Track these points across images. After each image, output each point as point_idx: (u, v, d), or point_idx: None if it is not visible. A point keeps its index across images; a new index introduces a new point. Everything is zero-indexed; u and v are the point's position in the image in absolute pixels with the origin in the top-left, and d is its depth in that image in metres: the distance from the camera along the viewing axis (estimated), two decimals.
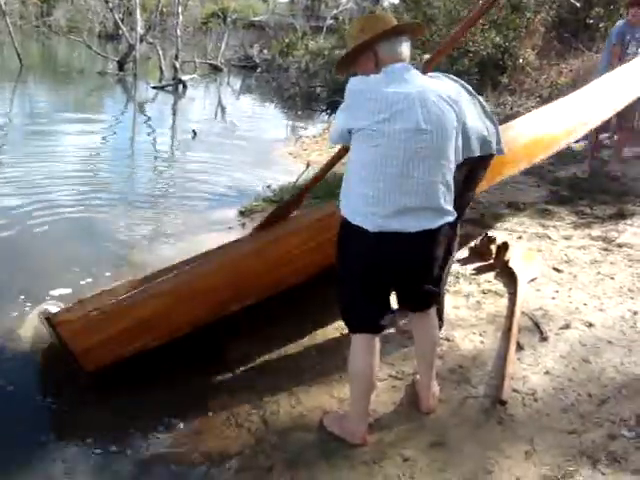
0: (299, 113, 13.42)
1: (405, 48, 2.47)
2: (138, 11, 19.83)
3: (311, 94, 15.17)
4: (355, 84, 2.44)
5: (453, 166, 2.49)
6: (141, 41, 19.58)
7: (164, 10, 24.59)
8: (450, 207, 2.50)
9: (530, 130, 4.58)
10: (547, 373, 3.16)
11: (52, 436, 2.84)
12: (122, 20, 23.52)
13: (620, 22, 6.66)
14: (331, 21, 23.81)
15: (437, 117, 2.37)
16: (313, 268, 3.27)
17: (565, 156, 7.37)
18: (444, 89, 2.47)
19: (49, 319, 2.97)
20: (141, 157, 8.85)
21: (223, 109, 14.17)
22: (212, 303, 3.16)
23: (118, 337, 2.97)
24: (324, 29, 22.72)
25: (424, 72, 2.68)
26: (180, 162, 8.46)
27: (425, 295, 2.68)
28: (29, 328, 3.63)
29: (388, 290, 2.61)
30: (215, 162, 7.95)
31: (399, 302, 2.74)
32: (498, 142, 3.10)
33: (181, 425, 2.87)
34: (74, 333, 2.92)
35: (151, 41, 20.38)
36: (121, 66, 19.45)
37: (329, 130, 2.65)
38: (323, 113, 13.01)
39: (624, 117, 6.37)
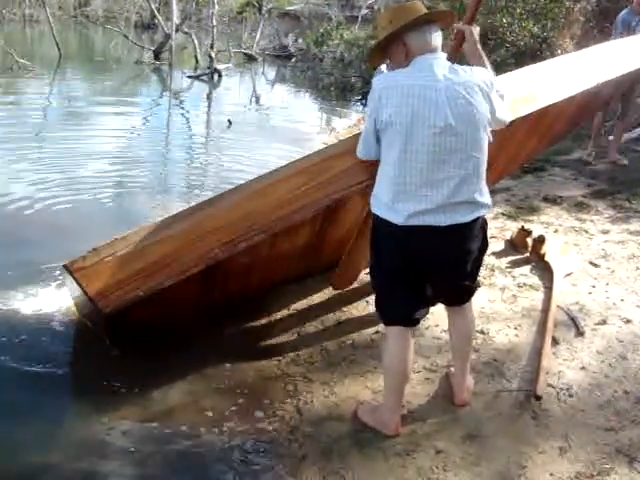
0: (333, 103, 13.38)
1: (435, 37, 2.44)
2: (174, 1, 19.93)
3: (346, 84, 15.14)
4: (380, 81, 2.43)
5: (485, 157, 2.47)
6: (177, 30, 19.68)
7: (200, 0, 24.67)
8: (484, 199, 2.48)
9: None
10: (583, 369, 3.13)
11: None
12: (158, 10, 23.66)
13: (625, 10, 6.66)
14: (366, 10, 23.62)
15: (465, 110, 2.35)
16: (315, 205, 3.29)
17: (604, 149, 7.26)
18: (475, 78, 2.42)
19: (66, 266, 3.13)
20: (175, 145, 8.99)
21: (257, 98, 14.21)
22: (220, 241, 3.19)
23: (133, 278, 3.08)
24: (359, 18, 22.56)
25: (452, 59, 2.63)
26: (214, 150, 8.56)
27: (460, 289, 2.68)
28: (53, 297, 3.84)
29: (423, 284, 2.60)
30: (249, 152, 8.00)
31: (435, 296, 2.74)
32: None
33: (214, 412, 2.90)
34: (90, 277, 3.07)
35: (187, 30, 20.45)
36: (157, 55, 19.59)
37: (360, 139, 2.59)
38: (357, 103, 12.97)
39: (626, 108, 6.47)
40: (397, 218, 2.38)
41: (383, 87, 2.38)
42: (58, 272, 3.86)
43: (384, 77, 2.45)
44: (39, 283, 4.02)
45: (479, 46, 2.67)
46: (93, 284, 3.06)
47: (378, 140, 2.46)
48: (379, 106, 2.37)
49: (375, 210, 2.49)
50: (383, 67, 3.67)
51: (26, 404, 2.94)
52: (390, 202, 2.40)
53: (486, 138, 2.44)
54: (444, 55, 2.49)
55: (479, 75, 2.44)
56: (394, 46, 2.47)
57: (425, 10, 2.47)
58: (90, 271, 3.09)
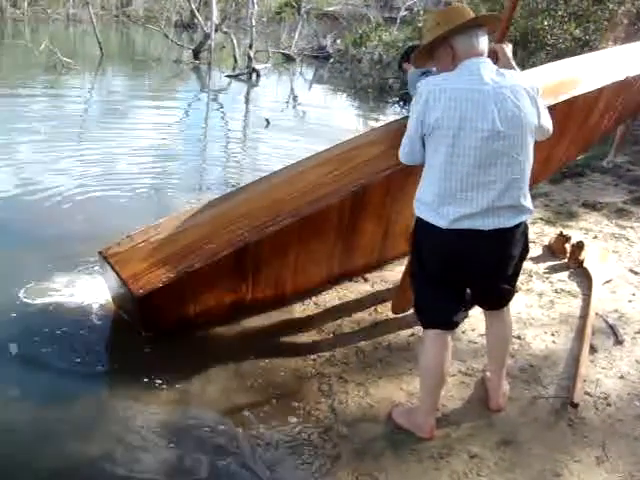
0: (371, 105, 13.38)
1: (482, 42, 2.44)
2: (214, 1, 20.12)
3: (383, 86, 15.11)
4: (427, 84, 2.42)
5: (531, 161, 2.46)
6: (216, 30, 19.88)
7: (239, 0, 24.86)
8: (528, 204, 2.47)
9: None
10: (621, 378, 3.09)
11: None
12: (198, 9, 23.89)
13: None
14: (405, 12, 23.54)
15: (513, 114, 2.34)
16: (341, 191, 3.44)
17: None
18: (522, 83, 2.41)
19: (102, 253, 3.29)
20: (213, 142, 9.11)
21: (295, 99, 14.27)
22: (250, 225, 3.31)
23: (164, 261, 3.20)
24: (398, 20, 22.50)
25: (494, 59, 2.61)
26: (252, 149, 8.63)
27: (499, 294, 2.67)
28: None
29: (462, 287, 2.60)
30: (286, 150, 8.04)
31: (473, 300, 2.73)
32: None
33: (248, 410, 2.92)
34: (124, 261, 3.21)
35: (226, 30, 20.64)
36: (196, 55, 19.81)
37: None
38: (395, 105, 12.95)
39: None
40: (441, 221, 2.39)
41: (430, 90, 2.37)
42: (97, 265, 3.91)
43: (431, 80, 2.44)
44: (79, 275, 4.12)
45: (513, 63, 2.70)
46: (126, 268, 3.19)
47: (423, 144, 2.46)
48: (426, 109, 2.36)
49: (419, 213, 2.49)
50: (414, 69, 3.70)
51: (64, 396, 3.01)
52: (435, 205, 2.40)
53: (532, 142, 2.43)
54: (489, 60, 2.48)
55: (526, 79, 2.44)
56: (441, 49, 2.47)
57: (472, 14, 2.47)
58: (124, 256, 3.24)
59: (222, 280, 3.40)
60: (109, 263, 3.24)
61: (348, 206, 3.51)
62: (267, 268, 3.53)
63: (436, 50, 2.50)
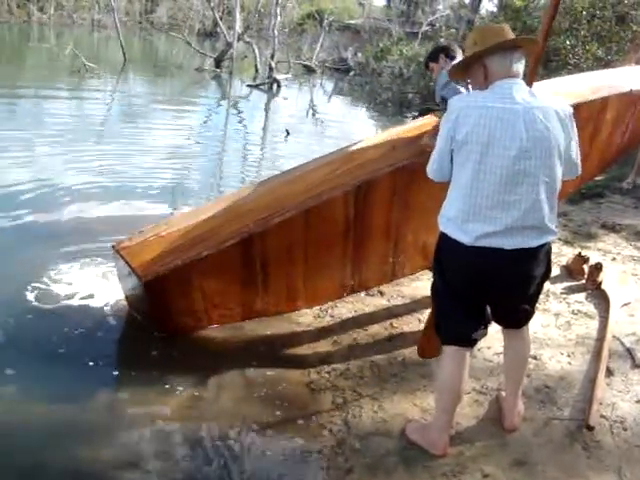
0: (390, 118, 13.41)
1: (517, 64, 2.44)
2: (237, 10, 20.33)
3: (403, 100, 15.16)
4: (458, 101, 2.44)
5: (559, 184, 2.45)
6: (238, 40, 20.07)
7: (262, 10, 25.06)
8: (552, 226, 2.47)
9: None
10: (638, 402, 3.06)
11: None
12: (221, 18, 24.14)
13: None
14: (427, 27, 23.61)
15: (542, 134, 2.34)
16: (344, 186, 3.60)
17: None
18: (554, 105, 2.42)
19: (114, 247, 3.44)
20: (232, 151, 9.23)
21: (315, 110, 14.34)
22: (255, 218, 3.43)
23: (173, 251, 3.31)
24: (419, 35, 22.58)
25: (529, 83, 2.63)
26: (270, 158, 8.71)
27: (519, 313, 2.66)
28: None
29: (483, 305, 2.60)
30: (305, 161, 8.07)
31: (493, 317, 2.73)
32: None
33: (261, 420, 2.92)
34: (134, 253, 3.33)
35: (248, 40, 20.82)
36: (218, 63, 19.99)
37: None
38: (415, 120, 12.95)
39: None
40: (465, 238, 2.39)
41: (462, 107, 2.39)
42: (112, 263, 3.93)
43: (463, 97, 2.47)
44: (94, 274, 4.22)
45: None
46: (137, 258, 3.31)
47: (452, 160, 2.46)
48: (456, 125, 2.37)
49: (443, 228, 2.49)
50: (443, 71, 3.71)
51: (78, 397, 3.03)
52: (460, 222, 2.40)
53: (560, 165, 2.42)
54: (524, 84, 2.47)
55: (558, 102, 2.44)
56: (475, 67, 2.48)
57: (511, 35, 2.47)
58: (135, 248, 3.36)
59: (231, 274, 3.46)
60: (121, 255, 3.36)
61: (352, 202, 3.61)
62: (276, 266, 3.58)
63: (471, 67, 2.51)
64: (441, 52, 3.93)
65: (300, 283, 3.74)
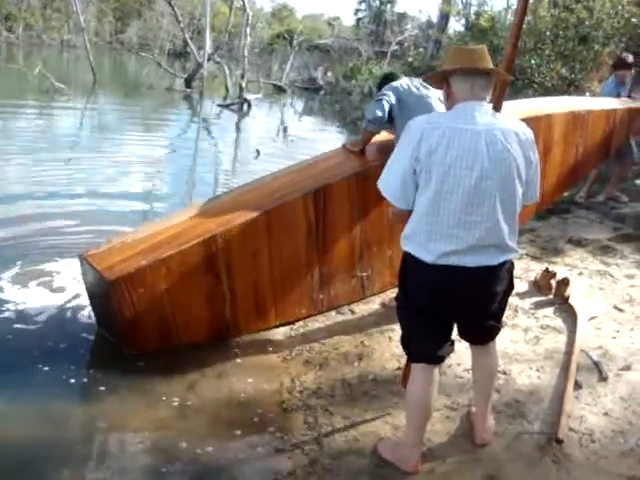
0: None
1: (481, 88, 2.44)
2: (207, 30, 20.39)
3: None
4: (420, 121, 2.46)
5: (519, 205, 2.49)
6: (209, 60, 20.11)
7: (232, 30, 25.19)
8: (514, 244, 2.51)
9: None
10: (606, 414, 3.10)
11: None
12: (191, 39, 24.18)
13: (610, 81, 7.06)
14: (396, 47, 23.94)
15: (502, 155, 2.37)
16: (304, 189, 3.78)
17: (631, 193, 7.26)
18: (515, 127, 2.46)
19: (81, 255, 3.53)
20: (202, 172, 9.22)
21: (285, 130, 14.39)
22: (217, 222, 3.57)
23: (138, 254, 3.39)
24: (388, 54, 22.86)
25: (495, 109, 2.67)
26: (241, 179, 8.64)
27: (485, 329, 2.69)
28: None
29: (449, 322, 2.62)
30: None
31: (459, 334, 2.76)
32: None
33: (232, 440, 2.91)
34: (100, 259, 3.43)
35: (218, 60, 20.88)
36: (188, 83, 20.01)
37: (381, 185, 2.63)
38: None
39: (625, 151, 6.64)
40: (428, 257, 2.42)
41: (424, 128, 2.40)
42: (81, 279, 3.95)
43: (424, 118, 2.49)
44: (67, 287, 4.26)
45: None
46: (102, 263, 3.38)
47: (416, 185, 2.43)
48: (419, 146, 2.37)
49: (405, 247, 2.52)
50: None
51: (55, 414, 3.02)
52: (422, 241, 2.43)
53: (520, 186, 2.45)
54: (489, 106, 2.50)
55: (520, 125, 2.49)
56: (443, 85, 2.54)
57: (484, 59, 2.46)
58: (101, 255, 3.46)
59: (197, 278, 3.49)
60: (87, 262, 3.43)
61: (312, 205, 3.75)
62: (242, 272, 3.62)
63: (440, 84, 2.56)
64: (386, 80, 4.20)
65: (268, 293, 3.75)
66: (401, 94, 3.90)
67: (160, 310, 3.44)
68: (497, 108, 2.68)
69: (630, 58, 6.86)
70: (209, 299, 3.56)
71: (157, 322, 3.46)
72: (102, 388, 3.23)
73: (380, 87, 4.18)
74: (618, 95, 6.62)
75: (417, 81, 4.04)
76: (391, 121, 3.89)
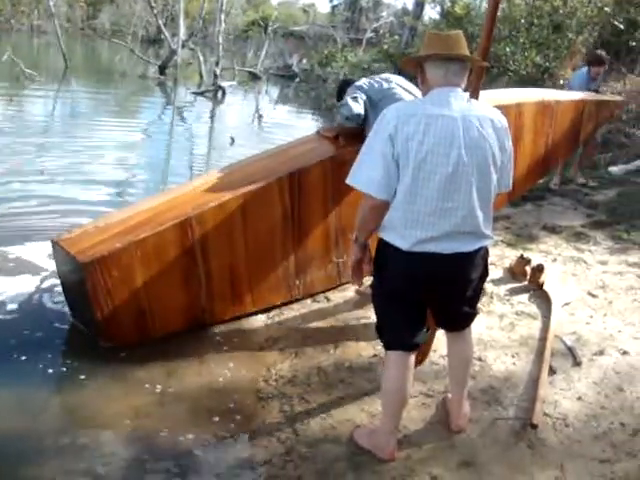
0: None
1: (456, 75, 2.42)
2: (181, 17, 20.16)
3: None
4: (395, 108, 2.44)
5: (494, 191, 2.49)
6: (183, 47, 19.91)
7: (206, 17, 24.93)
8: (489, 231, 2.51)
9: None
10: (579, 399, 3.13)
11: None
12: (165, 25, 23.87)
13: (583, 72, 7.06)
14: (371, 34, 23.90)
15: (478, 142, 2.37)
16: (278, 172, 3.78)
17: (603, 180, 7.35)
18: (490, 114, 2.45)
19: (54, 241, 3.47)
20: (176, 160, 9.11)
21: (260, 117, 14.30)
22: (192, 205, 3.53)
23: (112, 237, 3.36)
24: (364, 42, 22.81)
25: (473, 96, 2.67)
26: (215, 167, 8.59)
27: (460, 315, 2.69)
28: None
29: (423, 309, 2.62)
30: None
31: (434, 321, 2.76)
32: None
33: (207, 430, 2.88)
34: (73, 243, 3.37)
35: (192, 47, 20.67)
36: (162, 70, 19.77)
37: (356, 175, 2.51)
38: None
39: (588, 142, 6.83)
40: (404, 244, 2.40)
41: (399, 115, 2.38)
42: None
43: (399, 106, 2.47)
44: (39, 280, 4.17)
45: None
46: (75, 246, 3.33)
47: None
48: (394, 133, 2.34)
49: (381, 234, 2.50)
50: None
51: (31, 406, 2.97)
52: (398, 228, 2.41)
53: (495, 173, 2.45)
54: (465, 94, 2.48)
55: (495, 112, 2.48)
56: (417, 70, 2.51)
57: (460, 45, 2.44)
58: (74, 239, 3.40)
59: (173, 262, 3.45)
60: (60, 247, 3.37)
61: (287, 189, 3.75)
62: (217, 256, 3.59)
63: (415, 69, 2.52)
64: (346, 86, 4.17)
65: (244, 278, 3.73)
66: (367, 91, 3.90)
67: (135, 295, 3.38)
68: (474, 96, 2.67)
69: (604, 55, 6.98)
70: (185, 283, 3.52)
71: (133, 308, 3.40)
72: (81, 377, 3.20)
73: (340, 94, 4.19)
74: (588, 89, 6.74)
75: (376, 77, 4.06)
76: (365, 119, 3.87)
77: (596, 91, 6.86)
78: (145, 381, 3.19)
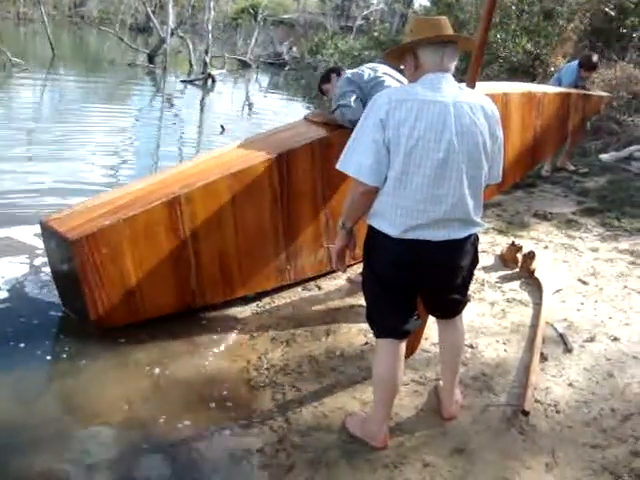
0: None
1: (449, 59, 2.41)
2: (170, 4, 19.96)
3: None
4: (386, 94, 2.41)
5: (484, 178, 2.48)
6: (172, 35, 19.72)
7: (196, 5, 24.74)
8: (479, 219, 2.50)
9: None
10: (570, 385, 3.14)
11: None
12: (154, 13, 23.70)
13: (573, 67, 7.03)
14: (361, 21, 23.81)
15: (469, 129, 2.35)
16: (266, 155, 3.77)
17: (594, 167, 7.36)
18: (481, 101, 2.43)
19: (42, 222, 3.46)
20: (166, 149, 9.04)
21: (250, 105, 14.25)
22: (180, 185, 3.53)
23: (100, 216, 3.34)
24: (354, 29, 22.72)
25: (471, 80, 2.66)
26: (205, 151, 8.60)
27: (450, 303, 2.69)
28: None
29: (414, 297, 2.61)
30: None
31: (425, 308, 2.75)
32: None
33: (199, 419, 2.88)
34: (62, 222, 3.35)
35: (182, 35, 20.53)
36: (151, 59, 19.64)
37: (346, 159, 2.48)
38: None
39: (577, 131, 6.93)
40: (393, 231, 2.39)
41: (390, 100, 2.35)
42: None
43: (393, 91, 2.44)
44: (30, 264, 4.19)
45: None
46: (64, 225, 3.31)
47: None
48: (385, 118, 2.32)
49: (370, 221, 2.49)
50: (338, 82, 3.98)
51: (27, 395, 2.97)
52: (388, 214, 2.39)
53: (486, 161, 2.43)
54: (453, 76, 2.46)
55: (486, 100, 2.46)
56: (408, 56, 2.46)
57: (448, 28, 2.44)
58: (63, 219, 3.38)
59: (162, 241, 3.43)
60: (48, 226, 3.36)
61: (276, 170, 3.74)
62: (206, 237, 3.57)
63: (404, 55, 2.48)
64: (332, 73, 4.19)
65: (234, 261, 3.71)
66: (359, 83, 3.86)
67: (125, 274, 3.35)
68: (471, 85, 2.66)
69: (595, 58, 6.98)
70: (174, 263, 3.49)
71: (122, 287, 3.37)
72: (78, 363, 3.21)
73: (323, 81, 4.20)
74: (576, 86, 6.83)
75: (362, 67, 4.03)
76: None
77: (584, 88, 6.96)
78: (137, 370, 3.18)
